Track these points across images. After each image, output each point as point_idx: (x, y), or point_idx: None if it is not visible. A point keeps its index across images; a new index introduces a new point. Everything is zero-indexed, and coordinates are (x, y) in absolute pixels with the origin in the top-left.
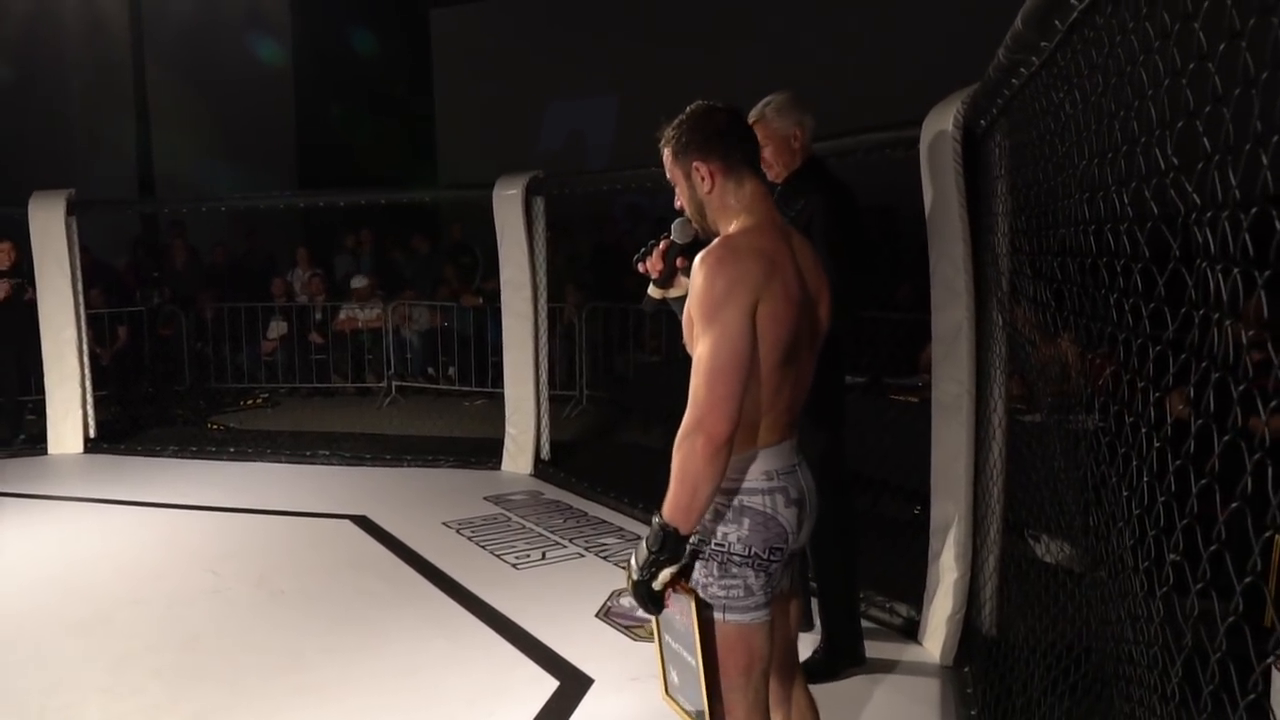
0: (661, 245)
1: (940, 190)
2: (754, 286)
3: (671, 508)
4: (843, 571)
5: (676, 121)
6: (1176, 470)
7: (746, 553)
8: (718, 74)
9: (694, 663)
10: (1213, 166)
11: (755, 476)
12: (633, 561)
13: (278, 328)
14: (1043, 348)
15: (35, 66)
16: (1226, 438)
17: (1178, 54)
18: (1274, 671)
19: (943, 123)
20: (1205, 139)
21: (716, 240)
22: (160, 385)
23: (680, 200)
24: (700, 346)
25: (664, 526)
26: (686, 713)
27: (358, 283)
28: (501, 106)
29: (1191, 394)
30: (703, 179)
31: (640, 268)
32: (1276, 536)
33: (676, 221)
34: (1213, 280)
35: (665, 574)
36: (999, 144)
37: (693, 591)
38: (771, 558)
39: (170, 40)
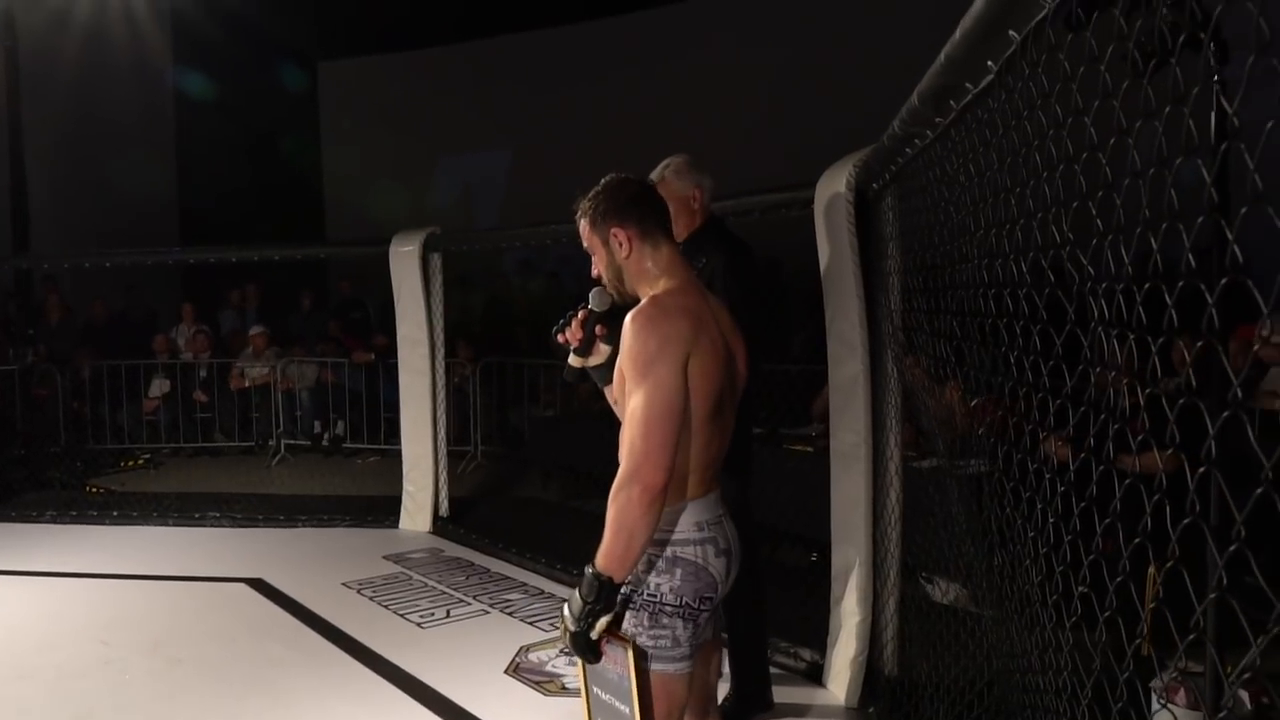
0: (580, 315)
1: (835, 249)
2: (684, 343)
3: (606, 557)
4: (751, 619)
5: (592, 193)
6: (1059, 509)
7: (678, 602)
8: (609, 130)
9: (627, 711)
10: (1105, 245)
11: (686, 527)
12: (567, 612)
13: (160, 385)
14: (934, 397)
15: None
16: (1100, 469)
17: (1069, 142)
18: (1154, 696)
19: (836, 185)
20: (1098, 220)
21: (645, 300)
22: (34, 447)
23: (597, 268)
24: (634, 400)
25: (598, 576)
26: None
27: (255, 332)
28: (391, 160)
29: (1079, 442)
30: (620, 244)
31: (559, 338)
32: (1150, 569)
33: (594, 290)
34: (1107, 344)
35: (601, 623)
36: (890, 206)
37: (629, 641)
38: (701, 607)
39: (49, 89)
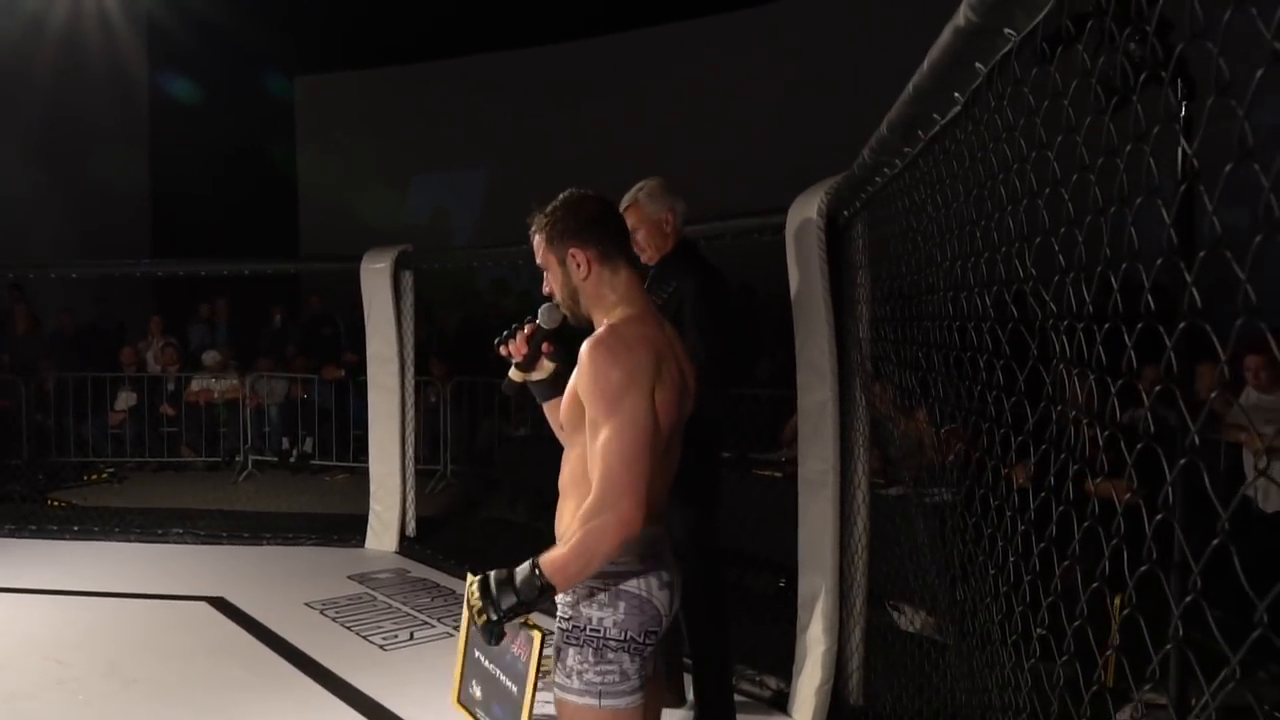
0: (526, 329)
1: (806, 276)
2: (649, 374)
3: (558, 571)
4: (716, 646)
5: (550, 208)
6: (1026, 539)
7: (623, 637)
8: (586, 150)
9: (516, 692)
10: (1068, 281)
11: (630, 560)
12: (484, 597)
13: (126, 399)
14: (901, 425)
15: None
16: (1063, 507)
17: (1033, 177)
18: None
19: (808, 211)
20: (1060, 256)
21: (603, 329)
22: None
23: (550, 286)
24: (604, 433)
25: (544, 583)
26: None
27: (209, 359)
28: (366, 177)
29: (1041, 475)
30: (578, 266)
31: (502, 350)
32: (1113, 601)
33: (544, 307)
34: (1069, 381)
35: (523, 618)
36: (860, 234)
37: (538, 628)
38: (647, 641)
39: (22, 95)
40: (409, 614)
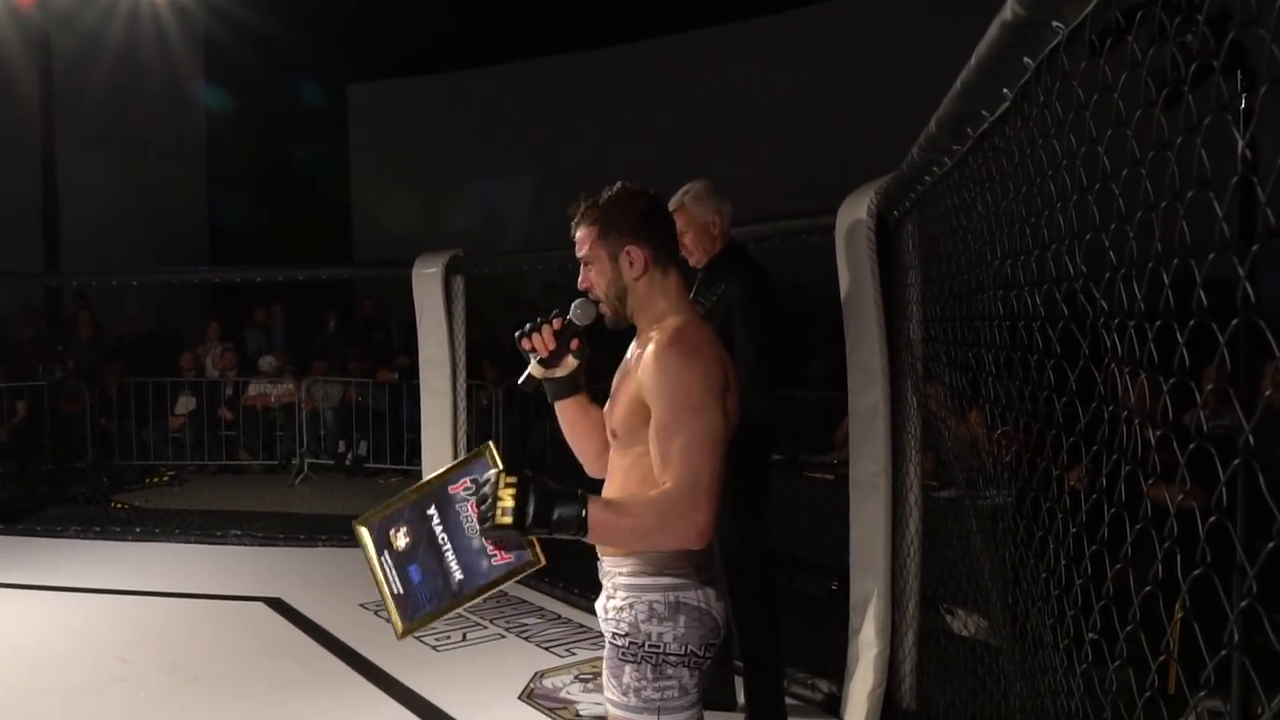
0: (555, 324)
1: (856, 277)
2: (721, 381)
3: (605, 533)
4: (767, 649)
5: (605, 200)
6: (1083, 543)
7: (683, 651)
8: (635, 154)
9: (457, 582)
10: (1119, 278)
11: (688, 571)
12: (521, 507)
13: (185, 403)
14: (954, 427)
15: None
16: (1114, 511)
17: (1083, 172)
18: None
19: (858, 211)
20: (1111, 252)
21: (671, 332)
22: (61, 462)
23: (591, 282)
24: (682, 439)
25: (580, 529)
26: (384, 578)
27: (265, 364)
28: (418, 183)
29: (1094, 477)
30: (631, 264)
31: (525, 344)
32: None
33: (579, 301)
34: (1121, 380)
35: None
36: (911, 234)
37: (539, 558)
38: (707, 654)
39: (81, 107)
40: (461, 615)
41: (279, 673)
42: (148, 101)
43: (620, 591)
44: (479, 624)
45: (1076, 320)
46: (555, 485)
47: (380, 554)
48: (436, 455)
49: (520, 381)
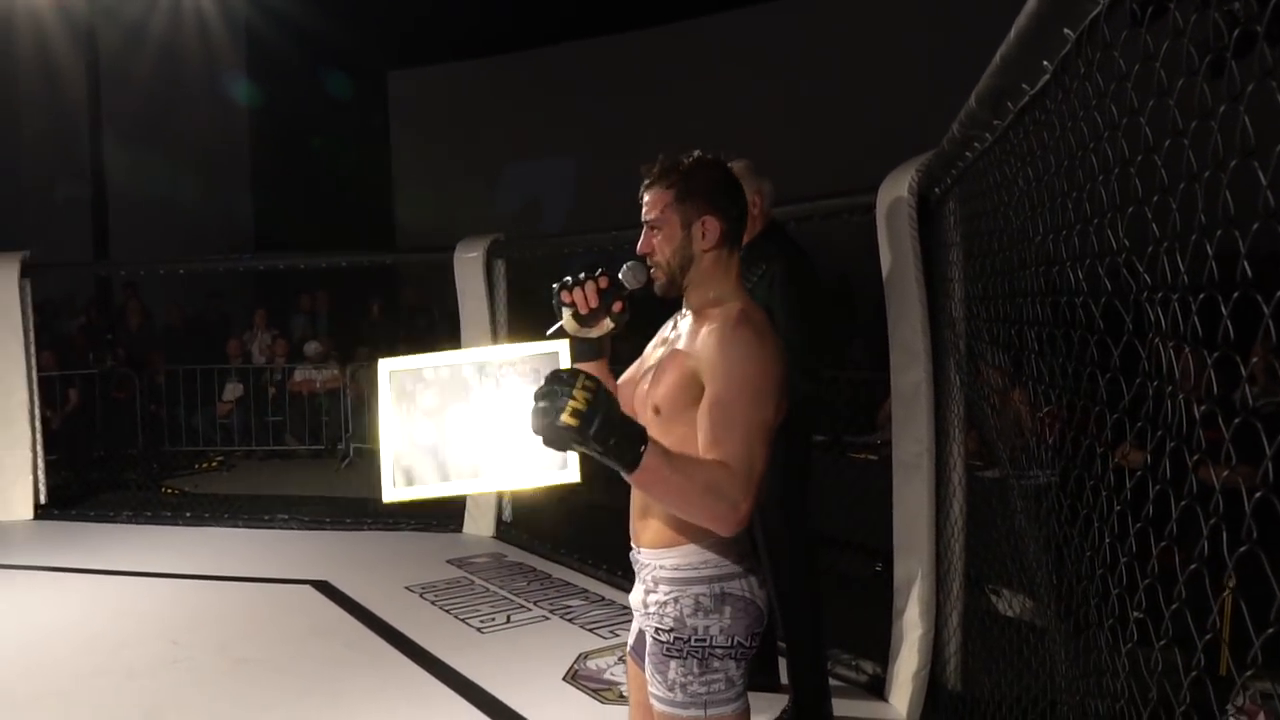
0: (601, 282)
1: (897, 255)
2: (785, 375)
3: (657, 478)
4: (811, 630)
5: (686, 163)
6: (1129, 522)
7: (729, 643)
8: (675, 136)
9: (483, 463)
10: (1162, 251)
11: (731, 559)
12: (590, 416)
13: (233, 389)
14: (997, 405)
15: None
16: (1184, 500)
17: (1125, 144)
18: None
19: (898, 189)
20: (1154, 225)
21: (736, 312)
22: (112, 448)
23: (653, 246)
24: (741, 421)
25: (632, 463)
26: (390, 431)
27: (310, 349)
28: (458, 169)
29: (1148, 456)
30: (704, 235)
31: (565, 296)
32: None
33: (630, 264)
34: (1165, 354)
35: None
36: (953, 211)
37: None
38: (753, 644)
39: (127, 96)
40: (505, 598)
41: (326, 654)
42: (190, 92)
43: (663, 585)
44: (523, 606)
45: (1120, 295)
46: (623, 415)
47: (399, 403)
48: None
49: (549, 333)
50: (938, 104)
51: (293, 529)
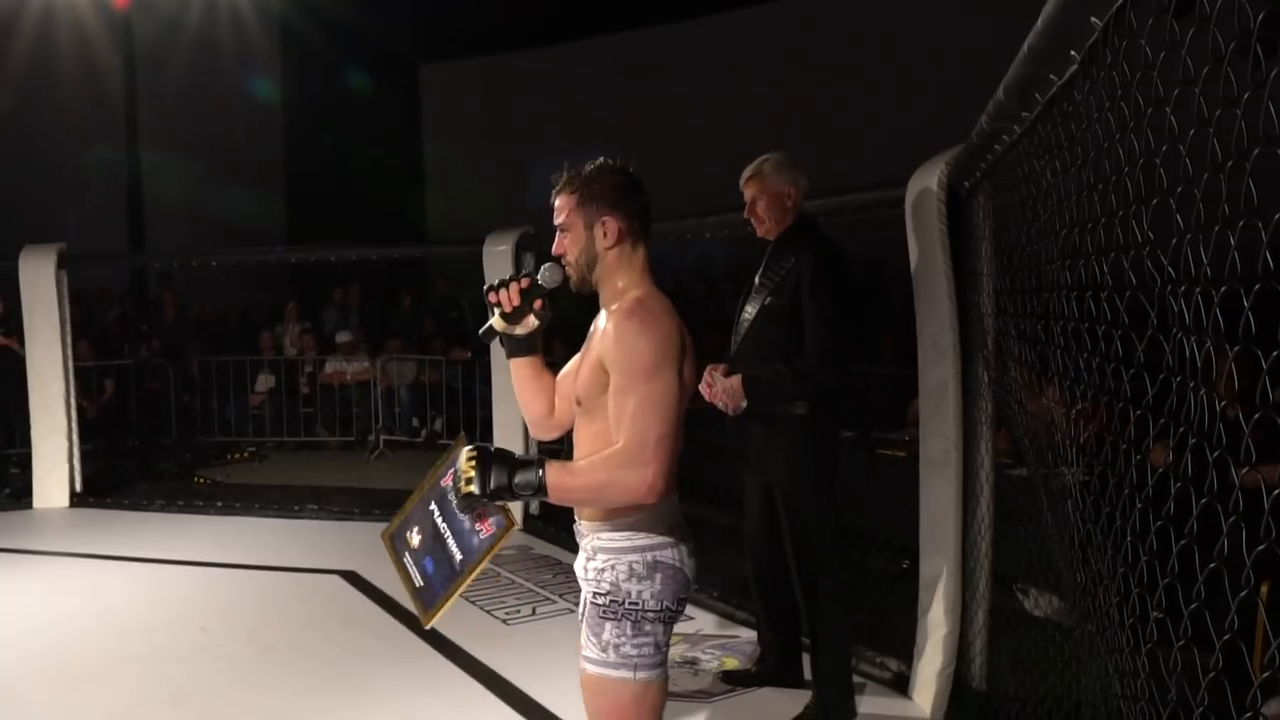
0: (523, 283)
1: (926, 249)
2: (677, 347)
3: (562, 492)
4: (835, 626)
5: (587, 171)
6: (1157, 525)
7: (659, 607)
8: (708, 131)
9: (458, 561)
10: (1185, 243)
11: (663, 531)
12: (484, 474)
13: (265, 381)
14: (1029, 403)
15: (25, 115)
16: (1206, 500)
17: (1151, 135)
18: None
19: (928, 182)
20: (1178, 216)
21: (631, 301)
22: (146, 439)
23: (564, 249)
24: (634, 401)
25: (540, 489)
26: (407, 575)
27: (342, 337)
28: (490, 162)
29: (1171, 455)
30: (605, 234)
31: (491, 297)
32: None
33: (547, 265)
34: (1189, 349)
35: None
36: (982, 205)
37: (512, 520)
38: (679, 609)
39: (163, 91)
40: (531, 590)
41: (352, 643)
42: (224, 86)
43: (600, 554)
44: (548, 599)
45: (1144, 288)
46: (515, 454)
47: (402, 556)
48: (508, 432)
49: (480, 331)
50: (967, 101)
51: (322, 519)
